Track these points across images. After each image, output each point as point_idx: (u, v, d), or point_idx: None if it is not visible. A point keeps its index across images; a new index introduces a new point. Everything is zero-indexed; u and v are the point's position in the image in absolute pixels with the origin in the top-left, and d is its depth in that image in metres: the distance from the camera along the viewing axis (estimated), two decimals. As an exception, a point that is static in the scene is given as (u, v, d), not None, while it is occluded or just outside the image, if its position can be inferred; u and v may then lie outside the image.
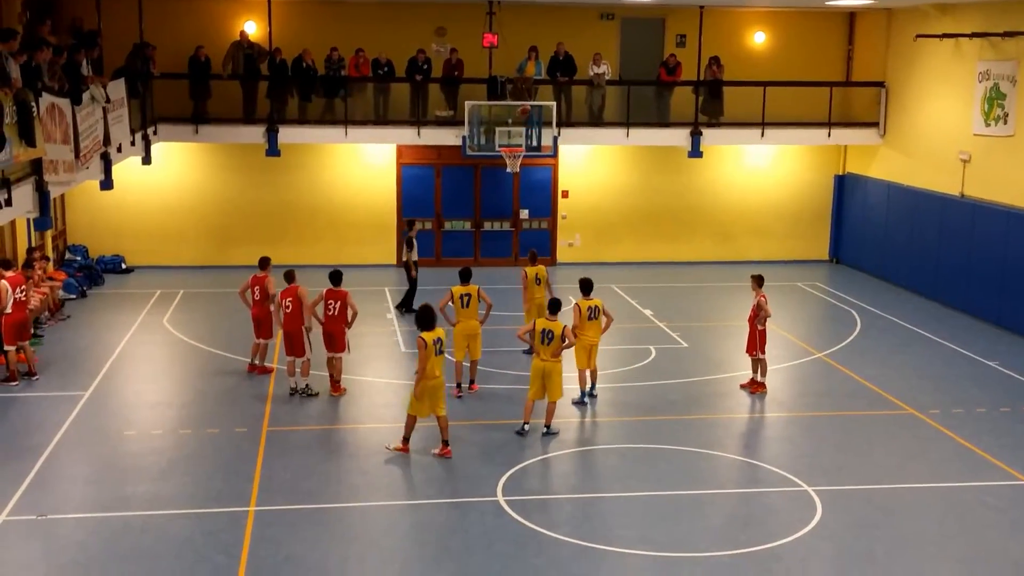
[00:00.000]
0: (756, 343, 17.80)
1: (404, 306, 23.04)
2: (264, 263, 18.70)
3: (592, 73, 27.06)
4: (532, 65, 26.70)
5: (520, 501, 13.35)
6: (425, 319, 14.60)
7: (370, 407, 17.17)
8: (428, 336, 14.40)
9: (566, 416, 16.48)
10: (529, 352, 19.46)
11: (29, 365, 18.04)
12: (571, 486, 14.22)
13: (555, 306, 16.02)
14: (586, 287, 17.17)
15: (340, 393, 17.47)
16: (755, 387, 18.04)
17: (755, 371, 18.11)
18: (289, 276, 17.61)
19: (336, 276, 17.36)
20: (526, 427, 15.80)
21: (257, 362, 18.62)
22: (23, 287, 18.02)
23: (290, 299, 17.18)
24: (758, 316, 17.70)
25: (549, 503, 13.47)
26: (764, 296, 17.81)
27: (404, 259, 23.21)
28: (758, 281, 18.01)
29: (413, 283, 22.93)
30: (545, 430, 15.82)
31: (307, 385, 17.40)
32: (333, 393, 17.46)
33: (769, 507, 13.53)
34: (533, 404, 15.83)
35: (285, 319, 17.23)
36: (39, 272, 21.71)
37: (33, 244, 23.50)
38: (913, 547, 12.43)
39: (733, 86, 27.66)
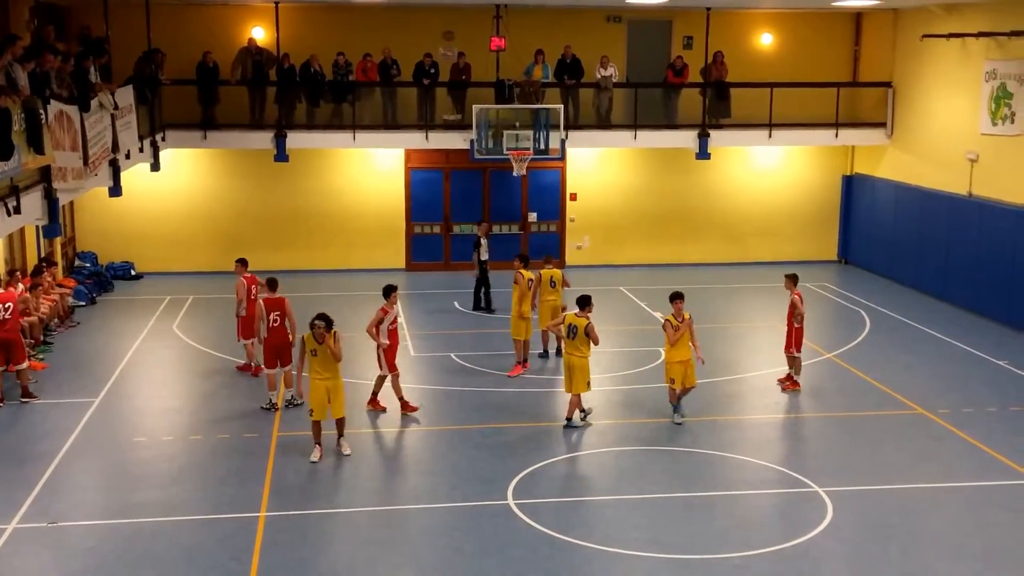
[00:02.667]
0: (793, 341, 17.88)
1: (487, 305, 23.69)
2: (245, 262, 18.97)
3: (599, 76, 27.06)
4: (539, 69, 26.69)
5: (531, 504, 13.34)
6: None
7: (380, 412, 17.16)
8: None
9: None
10: (544, 355, 19.54)
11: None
12: (582, 489, 14.20)
13: (583, 302, 16.03)
14: (672, 297, 16.65)
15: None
16: (790, 384, 18.09)
17: (791, 366, 18.16)
18: (274, 284, 17.19)
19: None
20: (568, 421, 16.19)
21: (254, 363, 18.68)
22: (8, 304, 17.27)
23: (278, 312, 16.84)
24: (794, 314, 17.78)
25: (560, 506, 13.45)
26: (799, 294, 17.93)
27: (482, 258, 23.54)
28: (792, 280, 18.17)
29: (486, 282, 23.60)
30: (566, 422, 16.10)
31: (293, 396, 16.99)
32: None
33: (780, 508, 13.51)
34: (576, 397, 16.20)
35: (273, 332, 16.85)
36: (48, 279, 21.78)
37: (43, 252, 23.58)
38: (925, 547, 12.40)
39: (740, 87, 27.65)
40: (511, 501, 13.44)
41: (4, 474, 14.27)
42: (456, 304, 24.30)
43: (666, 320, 16.51)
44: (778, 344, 18.36)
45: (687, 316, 16.33)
